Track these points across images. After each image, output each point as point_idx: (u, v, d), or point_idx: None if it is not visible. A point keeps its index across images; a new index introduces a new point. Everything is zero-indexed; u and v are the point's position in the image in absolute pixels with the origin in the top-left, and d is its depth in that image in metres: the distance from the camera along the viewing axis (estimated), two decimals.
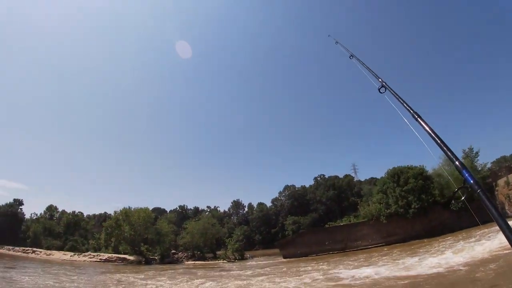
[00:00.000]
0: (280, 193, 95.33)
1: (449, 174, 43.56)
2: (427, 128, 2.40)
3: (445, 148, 2.19)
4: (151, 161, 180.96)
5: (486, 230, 27.92)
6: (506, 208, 38.47)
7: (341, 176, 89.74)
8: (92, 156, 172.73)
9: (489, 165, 48.42)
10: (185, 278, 28.79)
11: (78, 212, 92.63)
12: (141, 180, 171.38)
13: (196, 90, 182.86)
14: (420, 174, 42.65)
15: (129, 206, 60.24)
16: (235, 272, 32.62)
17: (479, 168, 43.86)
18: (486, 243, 21.17)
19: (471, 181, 1.92)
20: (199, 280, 26.45)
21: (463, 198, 2.03)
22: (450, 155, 2.13)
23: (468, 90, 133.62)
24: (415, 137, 2.57)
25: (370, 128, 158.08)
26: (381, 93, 3.20)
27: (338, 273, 22.75)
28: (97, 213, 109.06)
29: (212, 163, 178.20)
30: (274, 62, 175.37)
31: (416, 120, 2.52)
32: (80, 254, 61.46)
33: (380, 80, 3.34)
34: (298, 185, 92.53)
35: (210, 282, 24.31)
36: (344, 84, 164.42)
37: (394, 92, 2.93)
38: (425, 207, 40.76)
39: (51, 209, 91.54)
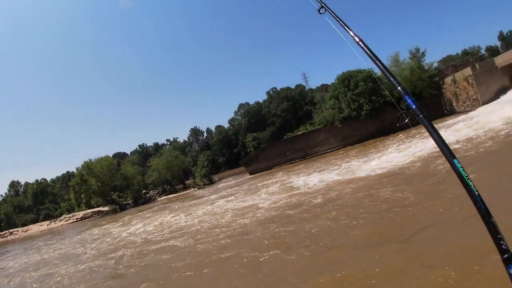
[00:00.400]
0: (235, 112, 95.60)
1: (397, 75, 45.18)
2: (370, 54, 2.34)
3: (387, 74, 2.16)
4: (102, 107, 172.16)
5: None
6: (454, 104, 40.98)
7: (293, 86, 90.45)
8: (39, 117, 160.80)
9: (435, 65, 49.67)
10: (157, 215, 29.71)
11: (42, 179, 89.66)
12: (95, 128, 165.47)
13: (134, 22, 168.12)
14: (369, 76, 43.58)
15: (89, 159, 59.27)
16: (204, 198, 33.63)
17: (426, 68, 45.12)
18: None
19: (413, 106, 1.94)
20: (170, 214, 27.42)
21: (406, 120, 2.07)
22: (392, 80, 2.12)
23: None
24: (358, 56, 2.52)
25: (318, 37, 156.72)
26: (321, 14, 3.04)
27: (291, 181, 24.18)
28: (60, 174, 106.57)
29: (162, 95, 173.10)
30: None
31: (358, 44, 2.45)
32: (56, 220, 61.47)
33: (319, 0, 3.12)
34: (252, 102, 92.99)
35: (180, 214, 25.11)
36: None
37: (335, 15, 2.79)
38: (377, 108, 42.72)
39: (14, 185, 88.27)
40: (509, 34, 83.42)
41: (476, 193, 1.57)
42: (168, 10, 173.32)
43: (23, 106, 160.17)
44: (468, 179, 1.61)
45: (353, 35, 2.54)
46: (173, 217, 24.75)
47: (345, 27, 2.66)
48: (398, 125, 2.34)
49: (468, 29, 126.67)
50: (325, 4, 3.05)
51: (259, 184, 30.13)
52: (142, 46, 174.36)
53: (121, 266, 13.94)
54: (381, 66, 2.22)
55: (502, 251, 1.45)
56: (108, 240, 22.83)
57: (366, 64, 2.38)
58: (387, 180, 15.52)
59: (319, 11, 3.09)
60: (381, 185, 14.66)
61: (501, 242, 1.46)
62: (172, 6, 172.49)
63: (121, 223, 32.09)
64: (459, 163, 1.66)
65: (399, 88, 2.08)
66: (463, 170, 1.63)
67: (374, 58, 2.30)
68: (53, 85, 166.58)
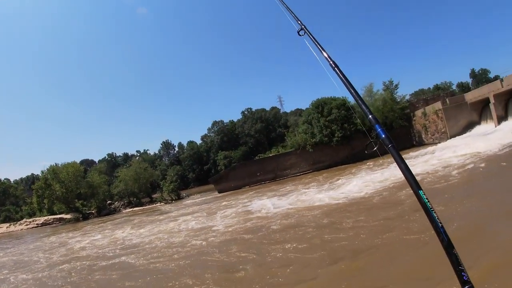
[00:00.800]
0: (209, 129, 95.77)
1: (370, 104, 46.67)
2: (344, 80, 2.37)
3: (359, 101, 2.20)
4: (72, 111, 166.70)
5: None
6: (423, 136, 42.72)
7: (268, 108, 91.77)
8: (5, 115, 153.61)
9: (408, 97, 51.88)
10: (118, 228, 28.84)
11: (4, 179, 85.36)
12: (64, 133, 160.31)
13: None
14: (343, 104, 44.95)
15: (56, 163, 57.04)
16: (168, 214, 32.97)
17: (398, 100, 46.81)
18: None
19: (383, 136, 1.96)
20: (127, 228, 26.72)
21: (375, 148, 2.09)
22: (364, 108, 2.15)
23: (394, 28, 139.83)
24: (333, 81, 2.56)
25: (295, 61, 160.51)
26: (301, 36, 3.14)
27: (256, 203, 24.01)
28: (24, 176, 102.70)
29: (136, 106, 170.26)
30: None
31: (334, 69, 2.48)
32: (16, 223, 58.42)
33: (299, 22, 3.23)
34: (226, 120, 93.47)
35: (140, 229, 24.55)
36: (270, 17, 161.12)
37: (313, 38, 2.87)
38: (348, 135, 43.80)
39: None
40: (480, 72, 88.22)
41: (440, 224, 1.58)
42: (150, 24, 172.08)
43: None
44: (432, 210, 1.61)
45: (328, 59, 2.58)
46: (131, 232, 24.15)
47: (322, 50, 2.71)
48: (366, 152, 2.36)
49: (441, 65, 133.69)
50: (305, 26, 3.13)
51: (224, 203, 30.00)
52: (128, 50, 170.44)
53: (69, 280, 13.31)
54: (354, 94, 2.24)
55: (463, 282, 1.45)
56: (62, 250, 21.88)
57: (340, 90, 2.40)
58: (349, 208, 15.74)
59: (298, 32, 3.18)
60: (342, 213, 14.88)
61: (463, 273, 1.46)
62: (157, 23, 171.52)
63: (81, 233, 30.84)
64: (424, 194, 1.67)
65: (370, 116, 2.11)
66: (428, 201, 1.64)
67: (348, 84, 2.33)
68: (24, 78, 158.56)
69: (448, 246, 1.53)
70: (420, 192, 1.67)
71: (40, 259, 19.84)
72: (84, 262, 15.96)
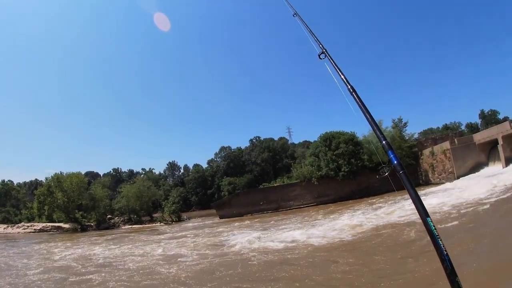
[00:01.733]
0: (216, 154, 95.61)
1: (378, 141, 46.73)
2: (360, 104, 2.41)
3: (374, 127, 2.23)
4: (81, 123, 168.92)
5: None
6: (430, 175, 42.44)
7: (276, 138, 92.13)
8: (18, 120, 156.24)
9: (416, 136, 52.11)
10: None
11: (8, 181, 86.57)
12: (72, 143, 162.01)
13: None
14: (351, 139, 45.29)
15: (60, 172, 57.32)
16: (166, 235, 32.70)
17: (407, 138, 47.03)
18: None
19: (395, 162, 2.00)
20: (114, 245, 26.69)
21: (386, 173, 2.10)
22: (379, 134, 2.19)
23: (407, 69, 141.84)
24: (349, 105, 2.59)
25: (307, 92, 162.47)
26: (321, 59, 3.22)
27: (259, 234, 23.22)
28: (28, 180, 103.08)
29: (146, 123, 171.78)
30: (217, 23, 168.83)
31: (351, 94, 2.53)
32: (14, 226, 58.52)
33: (321, 46, 3.32)
34: (234, 147, 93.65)
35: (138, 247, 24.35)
36: (284, 46, 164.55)
37: (333, 61, 2.94)
38: (354, 170, 43.89)
39: None
40: (489, 113, 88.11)
41: (445, 252, 1.60)
42: (170, 43, 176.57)
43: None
44: (438, 237, 1.63)
45: (346, 83, 2.63)
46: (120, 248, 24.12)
47: (340, 74, 2.76)
48: (377, 177, 2.37)
49: (451, 105, 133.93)
50: (326, 50, 3.21)
51: (225, 231, 29.51)
52: (145, 66, 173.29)
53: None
54: (370, 119, 2.28)
55: None
56: (42, 259, 22.14)
57: (356, 114, 2.43)
58: (351, 248, 15.21)
59: (319, 56, 3.26)
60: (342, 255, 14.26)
61: None
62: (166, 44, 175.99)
63: (74, 244, 30.89)
64: (431, 221, 1.71)
65: (383, 142, 2.14)
66: (435, 228, 1.67)
67: (364, 109, 2.36)
68: (41, 83, 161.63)
69: (451, 274, 1.54)
70: (428, 219, 1.71)
71: (26, 265, 20.18)
72: (55, 275, 16.27)
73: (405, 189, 1.89)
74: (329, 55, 3.08)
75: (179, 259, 17.25)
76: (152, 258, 18.63)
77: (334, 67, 2.89)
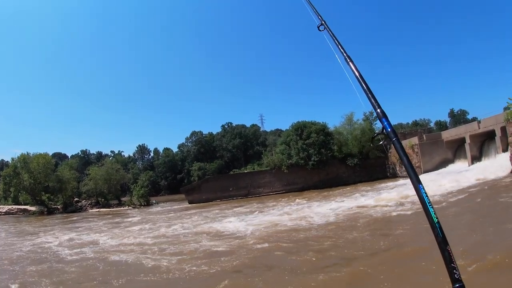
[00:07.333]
0: (187, 139, 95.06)
1: (349, 133, 47.90)
2: (357, 73, 2.50)
3: (369, 94, 2.32)
4: (49, 102, 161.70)
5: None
6: (397, 169, 43.86)
7: (248, 125, 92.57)
8: None
9: None
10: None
11: None
12: (39, 123, 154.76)
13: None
14: (322, 130, 46.00)
15: (27, 152, 54.91)
16: (131, 219, 31.89)
17: (377, 131, 48.01)
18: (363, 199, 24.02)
19: (389, 129, 2.08)
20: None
21: (381, 142, 2.19)
22: (373, 101, 2.28)
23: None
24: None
25: (282, 82, 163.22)
26: (320, 30, 3.36)
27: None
28: None
29: (115, 105, 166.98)
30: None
31: (348, 63, 2.63)
32: None
33: (320, 17, 3.46)
34: (205, 132, 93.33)
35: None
36: (264, 33, 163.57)
37: (332, 33, 3.12)
38: (324, 160, 44.70)
39: None
40: (459, 112, 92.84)
41: (436, 219, 1.61)
42: (140, 29, 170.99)
43: None
44: (430, 205, 1.65)
45: (344, 53, 2.74)
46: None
47: (339, 46, 2.89)
48: (371, 145, 2.48)
49: (422, 102, 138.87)
50: (325, 22, 3.35)
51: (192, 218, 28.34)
52: (112, 53, 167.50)
53: None
54: (366, 88, 2.37)
55: (454, 280, 1.48)
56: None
57: (353, 83, 2.53)
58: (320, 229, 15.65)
59: (318, 27, 3.40)
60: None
61: (454, 271, 1.49)
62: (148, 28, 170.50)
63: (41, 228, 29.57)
64: (423, 188, 1.72)
65: (378, 110, 2.25)
66: (426, 195, 1.68)
67: (360, 78, 2.46)
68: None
69: (442, 242, 1.55)
70: (420, 186, 1.73)
71: None
72: None
73: (398, 155, 1.95)
74: (328, 27, 3.24)
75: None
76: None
77: (333, 37, 3.03)
